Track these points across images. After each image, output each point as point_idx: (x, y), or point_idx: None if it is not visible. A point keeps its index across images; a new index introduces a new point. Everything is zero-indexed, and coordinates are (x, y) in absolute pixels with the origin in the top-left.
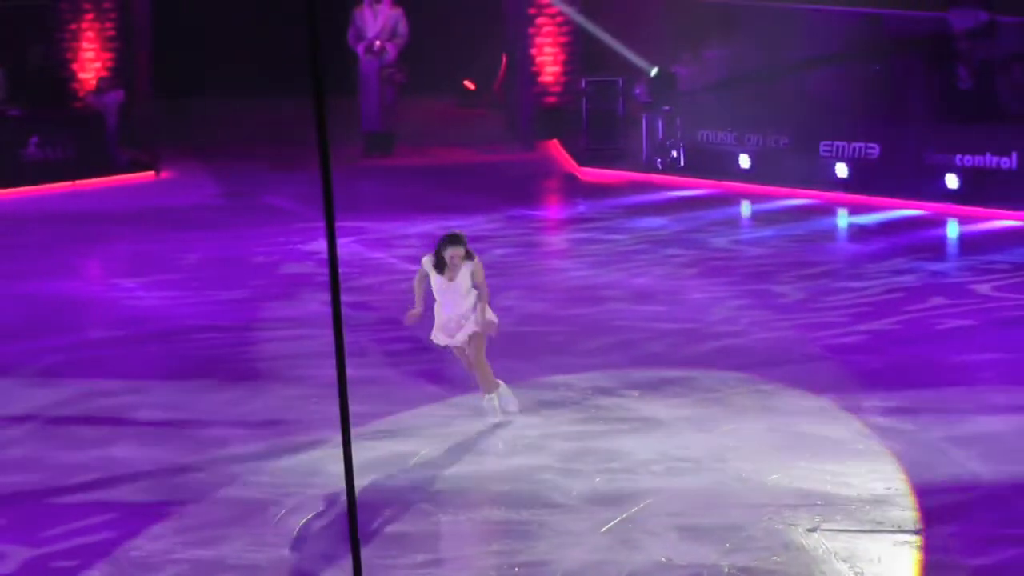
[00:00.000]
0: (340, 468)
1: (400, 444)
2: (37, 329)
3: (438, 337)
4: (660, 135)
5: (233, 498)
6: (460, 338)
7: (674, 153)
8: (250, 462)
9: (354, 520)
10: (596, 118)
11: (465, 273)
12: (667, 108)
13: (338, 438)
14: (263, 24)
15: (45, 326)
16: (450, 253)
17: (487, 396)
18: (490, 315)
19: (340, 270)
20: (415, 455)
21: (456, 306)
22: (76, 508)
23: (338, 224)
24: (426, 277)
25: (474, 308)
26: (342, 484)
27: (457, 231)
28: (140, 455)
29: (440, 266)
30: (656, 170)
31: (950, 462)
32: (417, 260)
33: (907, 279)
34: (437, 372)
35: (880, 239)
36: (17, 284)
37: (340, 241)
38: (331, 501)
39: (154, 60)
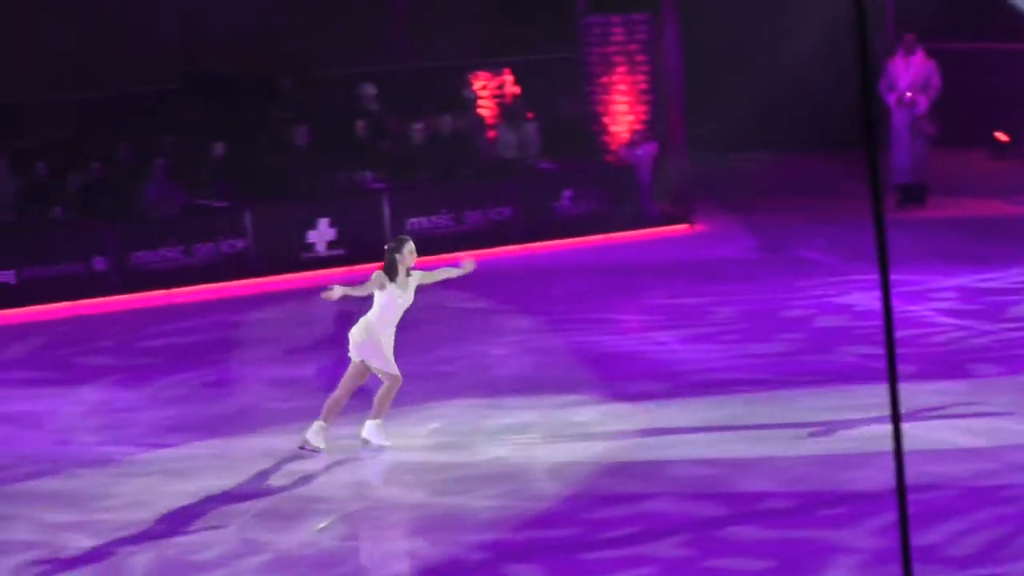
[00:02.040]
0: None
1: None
2: (576, 382)
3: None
4: None
5: (768, 552)
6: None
7: None
8: (788, 516)
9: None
10: None
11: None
12: None
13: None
14: (793, 77)
15: (583, 379)
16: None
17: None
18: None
19: (870, 323)
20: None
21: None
22: (610, 562)
23: (870, 277)
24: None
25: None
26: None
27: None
28: (676, 509)
29: (393, 273)
30: None
31: None
32: (955, 314)
33: None
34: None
35: None
36: (550, 337)
37: (873, 294)
38: (879, 555)
39: (687, 113)
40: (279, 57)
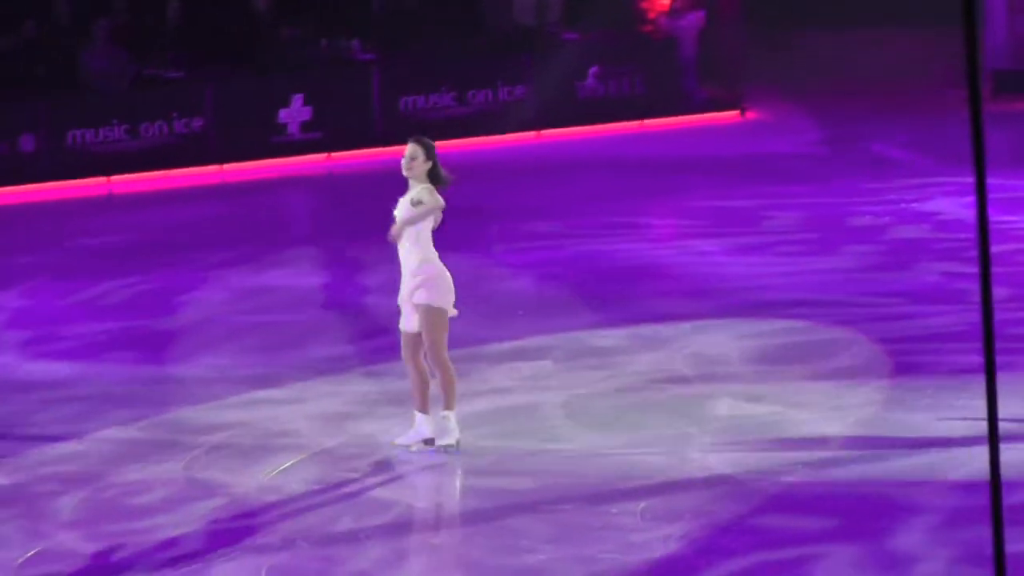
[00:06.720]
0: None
1: None
2: (603, 300)
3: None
4: None
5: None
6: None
7: None
8: (850, 466)
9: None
10: None
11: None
12: None
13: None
14: None
15: (612, 297)
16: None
17: (444, 413)
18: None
19: (963, 235)
20: None
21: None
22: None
23: (960, 180)
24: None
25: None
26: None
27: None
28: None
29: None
30: None
31: None
32: None
33: None
34: None
35: None
36: (584, 245)
37: (962, 201)
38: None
39: None
40: None
